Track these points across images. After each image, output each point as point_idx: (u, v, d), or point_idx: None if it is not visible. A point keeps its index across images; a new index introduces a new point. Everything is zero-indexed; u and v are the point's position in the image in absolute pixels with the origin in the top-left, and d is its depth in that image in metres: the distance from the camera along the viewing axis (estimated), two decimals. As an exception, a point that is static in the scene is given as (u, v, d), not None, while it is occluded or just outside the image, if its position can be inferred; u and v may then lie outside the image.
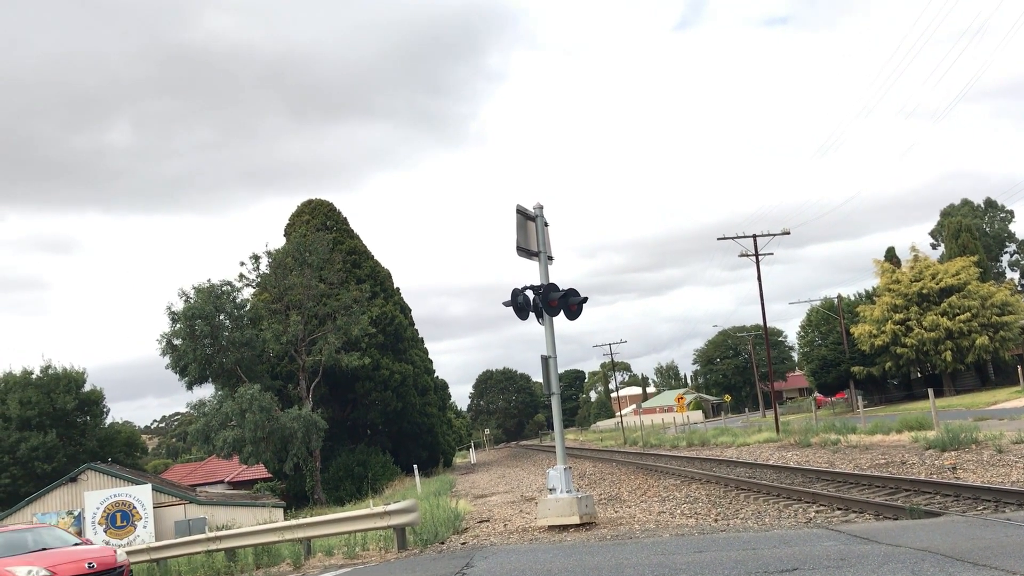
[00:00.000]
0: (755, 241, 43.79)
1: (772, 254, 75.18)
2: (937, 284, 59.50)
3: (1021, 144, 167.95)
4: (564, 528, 15.18)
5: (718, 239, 45.18)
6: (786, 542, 10.68)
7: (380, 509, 15.84)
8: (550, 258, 16.96)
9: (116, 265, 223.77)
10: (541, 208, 16.92)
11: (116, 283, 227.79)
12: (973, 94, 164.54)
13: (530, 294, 16.44)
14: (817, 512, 14.55)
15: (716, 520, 14.82)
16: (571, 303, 16.50)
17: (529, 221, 16.72)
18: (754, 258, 43.64)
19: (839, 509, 14.53)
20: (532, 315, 16.52)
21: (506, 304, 16.52)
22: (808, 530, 12.03)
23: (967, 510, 12.61)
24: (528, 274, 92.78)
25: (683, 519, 15.46)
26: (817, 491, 16.69)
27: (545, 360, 16.31)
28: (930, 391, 29.62)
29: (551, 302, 16.26)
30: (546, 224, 17.00)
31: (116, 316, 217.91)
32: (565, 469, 15.88)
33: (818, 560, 9.04)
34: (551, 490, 15.94)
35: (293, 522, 17.56)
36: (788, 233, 43.87)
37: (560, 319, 16.53)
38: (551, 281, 16.50)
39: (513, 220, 16.27)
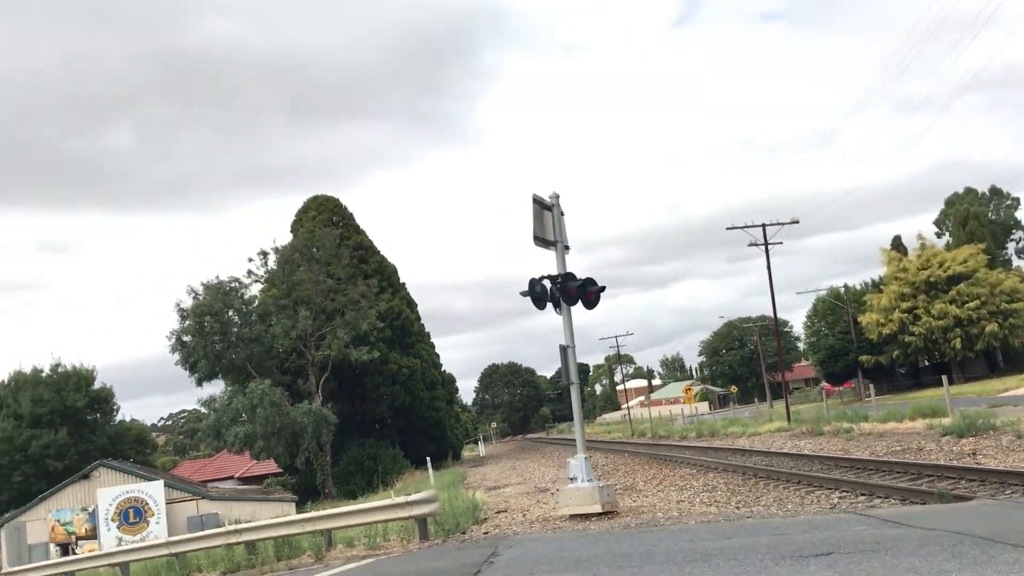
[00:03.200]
0: (764, 230, 43.72)
1: (782, 243, 75.08)
2: (945, 272, 59.36)
3: (1021, 132, 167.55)
4: (586, 517, 15.14)
5: (727, 228, 45.11)
6: (815, 527, 10.63)
7: (401, 500, 15.82)
8: (567, 247, 16.86)
9: (119, 265, 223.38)
10: (557, 197, 16.83)
11: (119, 283, 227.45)
12: (974, 84, 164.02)
13: (547, 284, 16.35)
14: (840, 498, 14.50)
15: (738, 507, 14.79)
16: (589, 292, 16.41)
17: (545, 210, 16.63)
18: (762, 247, 43.57)
19: (863, 495, 14.47)
20: (549, 305, 16.43)
21: (523, 294, 16.44)
22: (835, 515, 11.99)
23: (996, 494, 12.55)
24: (530, 267, 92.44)
25: (704, 507, 15.43)
26: (838, 477, 16.66)
27: (564, 349, 16.28)
28: (944, 378, 29.61)
29: (569, 291, 16.17)
30: (562, 213, 16.91)
31: (120, 316, 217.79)
32: (586, 458, 15.84)
33: (852, 544, 8.98)
34: (571, 479, 15.90)
35: (314, 514, 17.54)
36: (797, 222, 43.82)
37: (575, 309, 16.44)
38: (568, 270, 16.42)
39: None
